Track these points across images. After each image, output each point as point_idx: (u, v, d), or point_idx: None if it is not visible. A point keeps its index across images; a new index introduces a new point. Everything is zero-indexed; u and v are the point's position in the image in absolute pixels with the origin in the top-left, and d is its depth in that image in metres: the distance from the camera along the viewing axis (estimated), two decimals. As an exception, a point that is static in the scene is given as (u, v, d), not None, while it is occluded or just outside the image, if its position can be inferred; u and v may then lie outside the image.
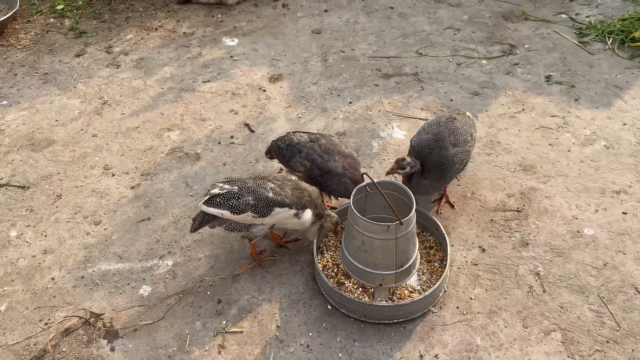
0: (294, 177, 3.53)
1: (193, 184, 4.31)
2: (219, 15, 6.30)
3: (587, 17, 5.84)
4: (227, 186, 3.35)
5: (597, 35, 5.50)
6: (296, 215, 3.37)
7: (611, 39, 5.42)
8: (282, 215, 3.36)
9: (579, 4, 6.13)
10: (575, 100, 4.83)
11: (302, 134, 3.89)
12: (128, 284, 3.63)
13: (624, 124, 4.56)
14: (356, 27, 5.98)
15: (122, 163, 4.52)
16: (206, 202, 3.32)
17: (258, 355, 3.22)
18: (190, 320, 3.41)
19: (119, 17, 6.39)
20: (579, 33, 5.60)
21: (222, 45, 5.82)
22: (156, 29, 6.15)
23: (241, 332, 3.34)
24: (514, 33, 5.70)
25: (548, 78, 5.07)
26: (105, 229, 4.00)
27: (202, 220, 3.42)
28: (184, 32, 6.07)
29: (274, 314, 3.42)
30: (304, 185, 3.49)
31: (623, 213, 3.86)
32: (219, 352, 3.24)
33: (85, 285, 3.63)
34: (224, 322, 3.38)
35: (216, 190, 3.34)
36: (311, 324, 3.35)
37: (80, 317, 3.43)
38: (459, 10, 6.14)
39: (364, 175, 3.27)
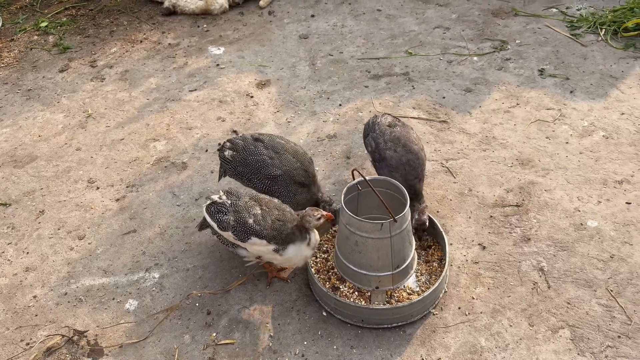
0: (283, 205, 3.25)
1: (180, 193, 4.15)
2: (205, 25, 6.21)
3: (578, 10, 5.74)
4: (224, 197, 3.25)
5: (589, 27, 5.40)
6: (276, 251, 3.13)
7: (603, 30, 5.31)
8: (260, 248, 3.16)
9: (568, -2, 6.05)
10: (571, 92, 4.71)
11: (387, 116, 3.81)
12: (113, 299, 3.46)
13: (622, 114, 4.43)
14: (344, 30, 5.88)
15: (107, 176, 4.37)
16: (207, 207, 3.28)
17: (250, 367, 3.04)
18: (179, 334, 3.24)
19: (104, 31, 6.30)
20: (570, 26, 5.50)
21: (208, 54, 5.71)
22: (141, 42, 6.04)
23: (232, 343, 3.17)
24: (504, 29, 5.61)
25: (541, 71, 4.95)
26: (89, 243, 3.84)
27: (203, 222, 3.41)
28: (169, 43, 5.96)
29: (267, 323, 3.24)
30: (290, 215, 3.18)
31: (627, 203, 3.71)
32: (209, 366, 3.07)
33: (69, 302, 3.46)
34: (214, 334, 3.21)
35: (215, 197, 3.28)
36: (306, 332, 3.17)
37: (63, 336, 3.26)
38: (448, 10, 6.05)
39: (354, 172, 3.12)
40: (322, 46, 5.66)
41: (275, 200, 3.31)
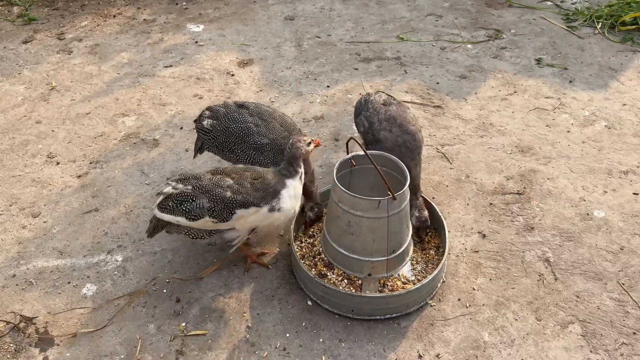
0: (249, 166, 2.92)
1: (150, 171, 3.76)
2: (184, 3, 5.83)
3: (573, 3, 5.57)
4: (180, 185, 2.76)
5: (584, 21, 5.22)
6: (272, 210, 2.76)
7: (600, 23, 5.14)
8: (253, 218, 2.76)
9: (562, -7, 5.89)
10: (570, 82, 4.49)
11: (382, 93, 3.48)
12: (69, 283, 3.04)
13: (624, 105, 4.22)
14: (332, 14, 5.58)
15: (69, 151, 3.94)
16: (160, 206, 2.76)
17: (224, 361, 2.67)
18: (143, 323, 2.84)
19: (74, 4, 5.85)
20: (566, 19, 5.31)
21: (186, 31, 5.33)
22: (114, 16, 5.63)
23: (204, 334, 2.78)
24: (498, 19, 5.39)
25: (539, 61, 4.73)
26: (44, 222, 3.41)
27: (157, 225, 2.88)
28: (144, 19, 5.56)
29: (244, 313, 2.87)
30: (262, 170, 2.85)
31: (634, 194, 3.47)
32: (177, 359, 2.68)
33: (17, 284, 3.03)
34: (184, 324, 2.83)
35: (169, 189, 2.77)
36: (288, 323, 2.82)
37: (8, 322, 2.83)
38: (440, -2, 5.81)
39: (350, 142, 2.79)
40: (309, 28, 5.34)
41: (239, 165, 2.94)
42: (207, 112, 3.25)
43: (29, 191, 3.62)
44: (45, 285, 3.04)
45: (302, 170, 2.85)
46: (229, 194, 2.71)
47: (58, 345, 2.75)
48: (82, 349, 2.73)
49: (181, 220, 2.74)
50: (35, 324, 2.84)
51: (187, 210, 2.72)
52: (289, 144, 2.83)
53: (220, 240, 2.86)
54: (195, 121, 3.35)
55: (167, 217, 2.76)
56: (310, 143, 2.88)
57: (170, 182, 2.83)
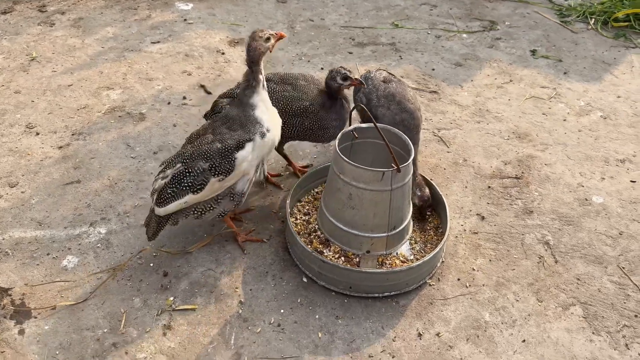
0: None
1: (135, 145, 3.59)
2: (172, -19, 5.66)
3: (566, 0, 5.59)
4: (168, 171, 2.62)
5: (578, 16, 5.23)
6: (263, 134, 2.61)
7: (593, 19, 5.15)
8: (254, 154, 2.62)
9: (554, -10, 5.90)
10: (565, 73, 4.47)
11: (382, 71, 3.34)
12: (48, 254, 2.86)
13: (618, 97, 4.22)
14: (325, -1, 5.49)
15: (50, 122, 3.75)
16: (158, 203, 2.62)
17: (215, 336, 2.52)
18: (127, 297, 2.68)
19: (57, -22, 5.63)
20: (559, 13, 5.32)
21: (174, 9, 5.16)
22: (99, -9, 5.43)
23: (193, 309, 2.64)
24: (492, 11, 5.36)
25: (533, 52, 4.70)
26: (22, 192, 3.21)
27: (160, 222, 2.71)
28: (131, -4, 5.38)
29: (236, 288, 2.74)
30: (223, 116, 2.69)
31: (632, 181, 3.44)
32: (164, 334, 2.53)
33: (-9, 255, 2.84)
34: (171, 299, 2.68)
35: (160, 182, 2.62)
36: (283, 299, 2.69)
37: (-20, 293, 2.64)
38: (433, -10, 5.76)
39: (354, 111, 2.68)
40: (302, 11, 5.23)
41: (204, 124, 2.80)
42: (224, 100, 3.06)
43: (6, 160, 3.42)
44: (22, 256, 2.85)
45: (262, 76, 2.60)
46: (218, 145, 2.58)
47: (36, 317, 2.57)
48: (62, 322, 2.55)
49: (188, 198, 2.59)
50: (10, 295, 2.66)
51: (190, 184, 2.57)
52: (246, 47, 2.52)
53: (231, 202, 2.71)
54: (206, 116, 3.17)
55: (173, 206, 2.61)
56: (269, 38, 2.54)
57: (157, 178, 2.67)
